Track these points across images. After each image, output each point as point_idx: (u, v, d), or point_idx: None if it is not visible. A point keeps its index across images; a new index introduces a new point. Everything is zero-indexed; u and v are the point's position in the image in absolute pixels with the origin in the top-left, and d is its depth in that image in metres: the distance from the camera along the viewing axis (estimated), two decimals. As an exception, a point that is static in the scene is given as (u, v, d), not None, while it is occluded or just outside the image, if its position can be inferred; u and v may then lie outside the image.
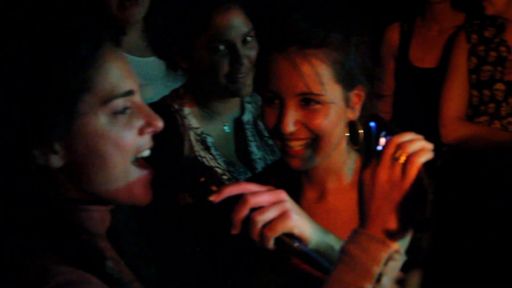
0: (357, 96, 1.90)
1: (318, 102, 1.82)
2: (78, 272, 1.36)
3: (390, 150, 1.43)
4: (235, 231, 1.58)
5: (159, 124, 1.50)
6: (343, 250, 1.47)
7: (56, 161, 1.44)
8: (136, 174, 1.49)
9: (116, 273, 1.48)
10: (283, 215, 1.57)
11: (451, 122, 3.63)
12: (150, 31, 2.59)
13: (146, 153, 1.51)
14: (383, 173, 1.42)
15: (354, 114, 1.90)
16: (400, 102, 4.01)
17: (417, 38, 4.01)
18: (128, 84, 1.48)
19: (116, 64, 1.48)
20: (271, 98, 1.85)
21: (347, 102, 1.88)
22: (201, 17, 2.54)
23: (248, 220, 1.57)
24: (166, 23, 2.60)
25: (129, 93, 1.48)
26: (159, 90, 2.77)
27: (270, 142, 2.74)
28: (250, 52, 2.58)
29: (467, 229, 1.82)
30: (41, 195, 1.41)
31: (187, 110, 2.66)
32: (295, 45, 1.80)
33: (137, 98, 1.50)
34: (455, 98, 3.63)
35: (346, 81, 1.86)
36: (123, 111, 1.46)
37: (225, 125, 2.73)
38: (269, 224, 1.56)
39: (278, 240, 1.58)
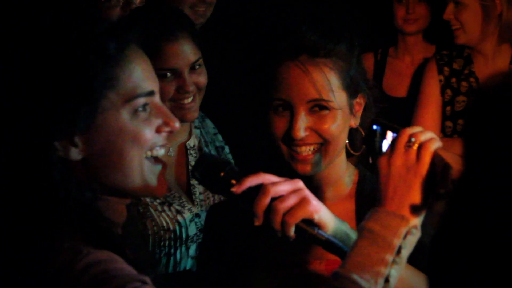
0: (359, 104, 2.00)
1: (327, 108, 1.91)
2: (107, 252, 1.42)
3: (404, 139, 1.58)
4: (258, 222, 1.64)
5: (176, 124, 1.57)
6: (363, 228, 1.56)
7: (75, 154, 1.49)
8: (151, 168, 1.55)
9: (135, 259, 1.52)
10: (302, 202, 1.63)
11: None
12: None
13: (161, 152, 1.57)
14: (399, 159, 1.56)
15: (355, 121, 2.00)
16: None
17: (390, 68, 4.12)
18: (149, 84, 1.55)
19: (140, 65, 1.55)
20: (281, 106, 1.93)
21: (351, 109, 1.97)
22: (150, 45, 2.63)
23: (269, 210, 1.63)
24: None
25: (151, 93, 1.55)
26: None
27: None
28: (198, 79, 2.68)
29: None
30: (60, 185, 1.47)
31: None
32: (306, 54, 1.89)
33: (156, 99, 1.57)
34: (427, 128, 3.63)
35: (351, 89, 1.95)
36: (144, 108, 1.52)
37: (169, 151, 2.77)
38: (290, 211, 1.63)
39: (298, 228, 1.63)
